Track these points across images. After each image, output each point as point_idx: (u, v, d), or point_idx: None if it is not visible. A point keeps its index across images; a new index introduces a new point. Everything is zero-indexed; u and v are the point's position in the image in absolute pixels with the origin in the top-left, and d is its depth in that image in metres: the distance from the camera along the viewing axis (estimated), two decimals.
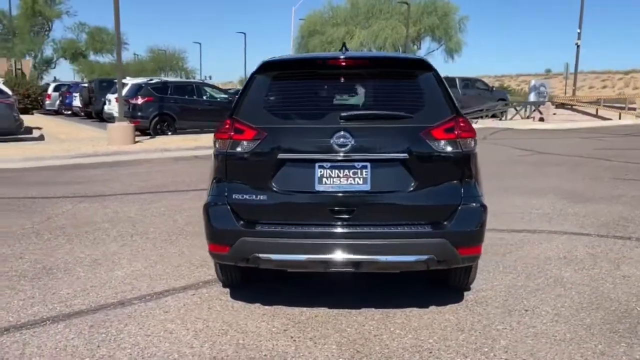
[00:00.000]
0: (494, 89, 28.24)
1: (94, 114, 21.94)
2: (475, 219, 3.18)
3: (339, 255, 3.06)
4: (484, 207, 3.22)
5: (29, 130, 17.08)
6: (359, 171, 3.10)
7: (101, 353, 2.91)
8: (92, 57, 51.49)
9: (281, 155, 3.13)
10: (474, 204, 3.20)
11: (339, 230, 3.08)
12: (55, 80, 36.96)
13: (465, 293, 3.78)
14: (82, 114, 24.41)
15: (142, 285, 3.91)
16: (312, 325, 3.27)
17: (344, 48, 3.75)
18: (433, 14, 40.63)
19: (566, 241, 5.06)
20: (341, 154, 3.07)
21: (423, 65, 3.42)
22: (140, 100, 15.14)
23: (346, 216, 3.11)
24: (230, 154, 3.19)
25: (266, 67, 3.40)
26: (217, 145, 3.24)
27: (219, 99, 16.82)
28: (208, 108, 16.12)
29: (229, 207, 3.16)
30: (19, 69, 29.48)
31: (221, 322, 3.30)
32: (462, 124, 3.17)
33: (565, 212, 6.19)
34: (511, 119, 23.50)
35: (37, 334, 3.13)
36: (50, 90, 28.82)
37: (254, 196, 3.14)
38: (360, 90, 3.48)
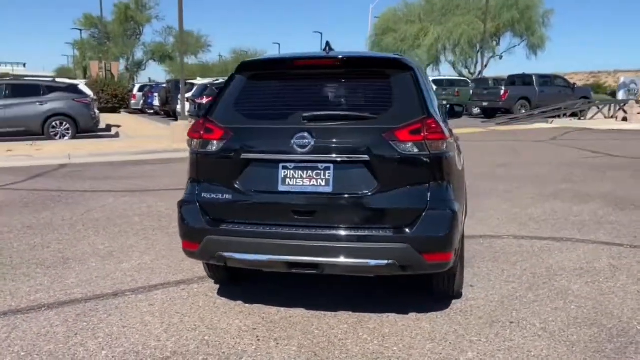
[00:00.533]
0: (576, 86, 26.63)
1: (171, 112, 23.07)
2: (443, 224, 3.05)
3: (299, 257, 3.06)
4: (453, 213, 3.08)
5: (108, 128, 18.29)
6: (322, 172, 3.08)
7: (75, 341, 3.09)
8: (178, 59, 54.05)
9: (245, 155, 3.17)
10: (442, 209, 3.07)
11: (301, 231, 3.07)
12: (150, 80, 39.11)
13: (454, 301, 3.65)
14: (162, 112, 25.72)
15: (142, 278, 4.10)
16: (282, 326, 3.29)
17: (327, 48, 3.74)
18: (513, 8, 38.86)
19: (592, 251, 4.73)
20: (302, 155, 3.06)
21: (397, 65, 3.33)
22: (204, 100, 15.74)
23: (308, 217, 3.09)
24: (200, 153, 3.28)
25: (243, 68, 3.45)
26: (190, 144, 3.34)
27: None
28: None
29: (198, 205, 3.25)
30: (108, 71, 31.49)
31: (196, 318, 3.40)
32: (431, 126, 3.05)
33: (604, 220, 5.77)
34: (591, 118, 22.08)
35: (28, 320, 3.38)
36: (135, 91, 30.60)
37: (220, 195, 3.21)
38: (329, 91, 3.42)
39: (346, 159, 3.07)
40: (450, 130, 3.51)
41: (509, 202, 6.71)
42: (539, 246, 4.89)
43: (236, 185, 3.18)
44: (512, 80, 24.99)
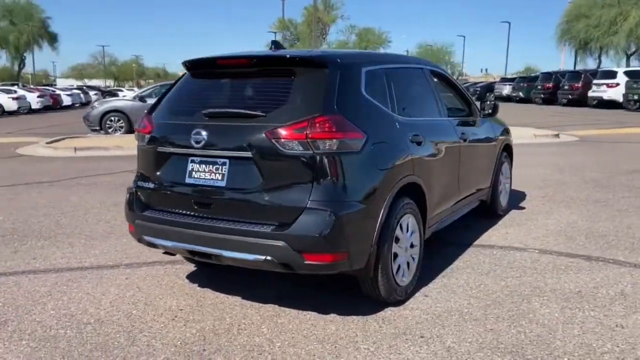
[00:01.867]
0: None
1: None
2: (321, 224, 2.99)
3: (196, 246, 3.28)
4: (335, 214, 3.00)
5: None
6: (220, 167, 3.23)
7: (28, 307, 3.60)
8: None
9: (160, 149, 3.47)
10: (324, 209, 3.00)
11: (198, 222, 3.27)
12: None
13: (389, 308, 3.51)
14: None
15: (133, 255, 4.62)
16: (205, 310, 3.52)
17: (273, 47, 3.83)
18: None
19: (616, 275, 4.06)
20: (198, 150, 3.26)
21: (310, 63, 3.30)
22: None
23: (206, 209, 3.28)
24: (139, 146, 3.66)
25: (184, 66, 3.75)
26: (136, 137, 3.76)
27: None
28: None
29: (135, 192, 3.65)
30: None
31: (145, 295, 3.80)
32: (324, 124, 3.00)
33: None
34: None
35: (10, 282, 4.06)
36: None
37: (148, 184, 3.55)
38: (238, 89, 3.52)
39: (235, 156, 3.19)
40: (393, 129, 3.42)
41: (586, 214, 5.92)
42: (558, 263, 4.33)
43: (158, 175, 3.50)
44: None
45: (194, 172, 3.33)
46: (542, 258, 4.46)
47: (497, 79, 46.98)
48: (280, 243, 3.01)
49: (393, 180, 3.37)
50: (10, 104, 27.94)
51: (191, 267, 4.34)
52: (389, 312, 3.48)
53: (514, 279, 4.02)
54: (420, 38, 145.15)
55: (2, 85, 37.44)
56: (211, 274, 4.17)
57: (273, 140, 3.04)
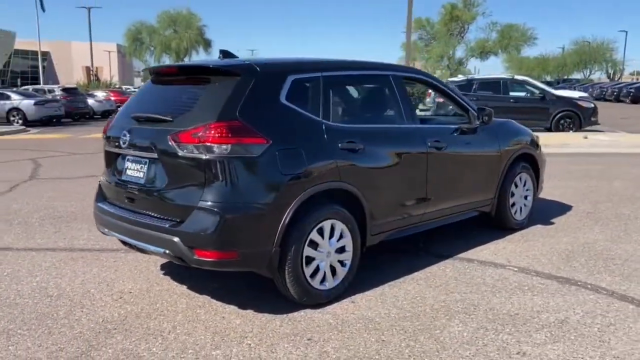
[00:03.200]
0: None
1: None
2: (208, 223, 3.21)
3: (123, 237, 3.69)
4: (220, 215, 3.20)
5: None
6: (143, 166, 3.60)
7: (21, 278, 4.25)
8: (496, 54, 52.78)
9: (106, 148, 3.95)
10: (211, 209, 3.22)
11: (127, 215, 3.66)
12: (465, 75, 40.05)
13: (302, 310, 3.62)
14: None
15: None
16: (145, 295, 3.90)
17: (221, 55, 4.07)
18: None
19: (579, 302, 3.73)
20: (124, 150, 3.68)
21: (225, 72, 3.53)
22: (443, 99, 15.77)
23: (132, 204, 3.68)
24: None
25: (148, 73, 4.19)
26: None
27: (528, 96, 15.74)
28: (514, 105, 15.37)
29: (99, 186, 4.17)
30: None
31: (115, 277, 4.28)
32: (218, 130, 3.21)
33: None
34: None
35: (29, 256, 4.81)
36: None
37: (103, 179, 4.05)
38: (164, 95, 3.84)
39: (150, 156, 3.53)
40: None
41: (617, 234, 5.38)
42: (526, 284, 4.05)
43: (108, 171, 3.98)
44: None
45: (127, 170, 3.76)
46: (513, 277, 4.19)
47: None
48: (175, 238, 3.30)
49: (303, 186, 3.47)
50: None
51: None
52: (302, 313, 3.59)
53: (459, 294, 3.86)
54: (577, 34, 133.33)
55: None
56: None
57: (173, 144, 3.34)
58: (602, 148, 12.32)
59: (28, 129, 20.68)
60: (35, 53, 52.44)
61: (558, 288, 3.95)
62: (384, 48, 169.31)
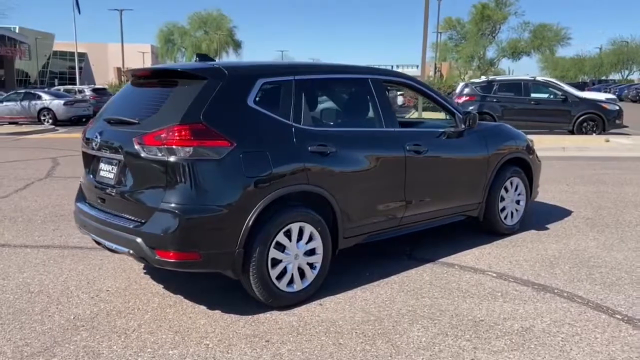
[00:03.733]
0: None
1: None
2: (168, 224, 3.27)
3: (95, 236, 3.79)
4: (180, 216, 3.25)
5: None
6: (113, 167, 3.68)
7: (11, 274, 4.35)
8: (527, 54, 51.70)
9: (82, 149, 4.05)
10: (172, 211, 3.27)
11: (98, 215, 3.75)
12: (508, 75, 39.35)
13: (275, 312, 3.65)
14: None
15: None
16: (122, 294, 3.99)
17: (197, 59, 4.13)
18: None
19: (549, 311, 3.67)
20: (95, 151, 3.79)
21: (192, 75, 3.59)
22: (462, 99, 15.59)
23: (103, 204, 3.77)
24: None
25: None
26: None
27: (550, 98, 15.38)
28: (535, 107, 15.07)
29: (79, 186, 4.27)
30: (439, 71, 33.38)
31: (98, 275, 4.38)
32: (180, 133, 3.26)
33: None
34: None
35: (22, 253, 4.96)
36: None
37: (82, 179, 4.16)
38: (137, 97, 3.90)
39: (118, 158, 3.60)
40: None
41: (611, 242, 5.26)
42: (499, 290, 4.00)
43: (87, 172, 4.08)
44: None
45: (101, 171, 3.85)
46: (489, 283, 4.13)
47: None
48: (138, 239, 3.37)
49: (268, 189, 3.50)
50: None
51: None
52: (268, 314, 3.63)
53: (430, 299, 3.84)
54: (614, 33, 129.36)
55: None
56: None
57: (137, 146, 3.41)
58: (623, 152, 11.98)
59: (57, 128, 21.34)
60: (73, 54, 54.00)
61: (532, 295, 3.88)
62: (417, 47, 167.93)
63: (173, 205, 3.31)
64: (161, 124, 3.39)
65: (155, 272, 4.43)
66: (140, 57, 71.97)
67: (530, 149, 5.60)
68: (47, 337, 3.32)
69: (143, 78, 4.02)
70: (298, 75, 3.90)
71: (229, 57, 61.35)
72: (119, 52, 53.99)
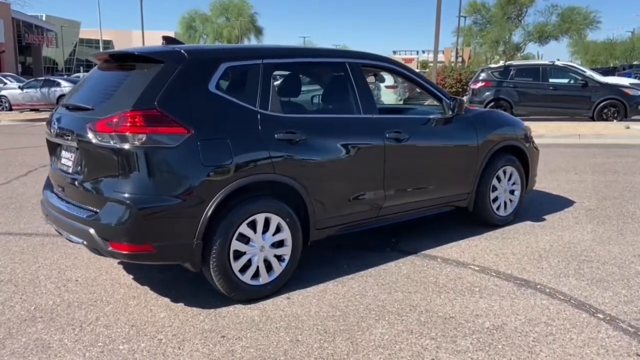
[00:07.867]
0: None
1: None
2: (119, 215, 3.15)
3: (55, 227, 3.67)
4: (131, 207, 3.12)
5: None
6: (72, 155, 3.56)
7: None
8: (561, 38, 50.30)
9: (46, 136, 3.93)
10: (124, 201, 3.15)
11: (58, 204, 3.64)
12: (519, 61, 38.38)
13: (239, 305, 3.53)
14: None
15: None
16: (90, 284, 3.91)
17: (164, 42, 3.96)
18: None
19: (527, 308, 3.46)
20: (57, 138, 3.67)
21: (150, 59, 3.42)
22: (478, 85, 15.16)
23: (62, 193, 3.67)
24: None
25: None
26: None
27: (569, 83, 14.83)
28: (553, 93, 14.56)
29: (47, 176, 4.19)
30: (460, 56, 32.65)
31: (76, 265, 4.29)
32: (132, 119, 3.12)
33: None
34: None
35: (15, 240, 4.99)
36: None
37: (49, 168, 4.06)
38: (96, 82, 3.75)
39: (74, 145, 3.48)
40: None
41: (608, 234, 5.00)
42: (478, 285, 3.80)
43: (51, 159, 3.99)
44: None
45: (62, 159, 3.75)
46: (469, 277, 3.93)
47: None
48: (91, 230, 3.26)
49: (229, 178, 3.35)
50: None
51: None
52: (231, 308, 3.50)
53: (402, 293, 3.66)
54: None
55: None
56: None
57: (90, 133, 3.28)
58: None
59: None
60: (99, 42, 54.49)
61: (511, 291, 3.68)
62: (441, 32, 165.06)
63: (125, 195, 3.18)
64: (114, 110, 3.26)
65: (129, 263, 4.34)
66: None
67: (527, 137, 5.34)
68: (2, 329, 3.26)
69: (105, 62, 3.88)
70: (266, 59, 3.73)
71: (250, 43, 61.24)
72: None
